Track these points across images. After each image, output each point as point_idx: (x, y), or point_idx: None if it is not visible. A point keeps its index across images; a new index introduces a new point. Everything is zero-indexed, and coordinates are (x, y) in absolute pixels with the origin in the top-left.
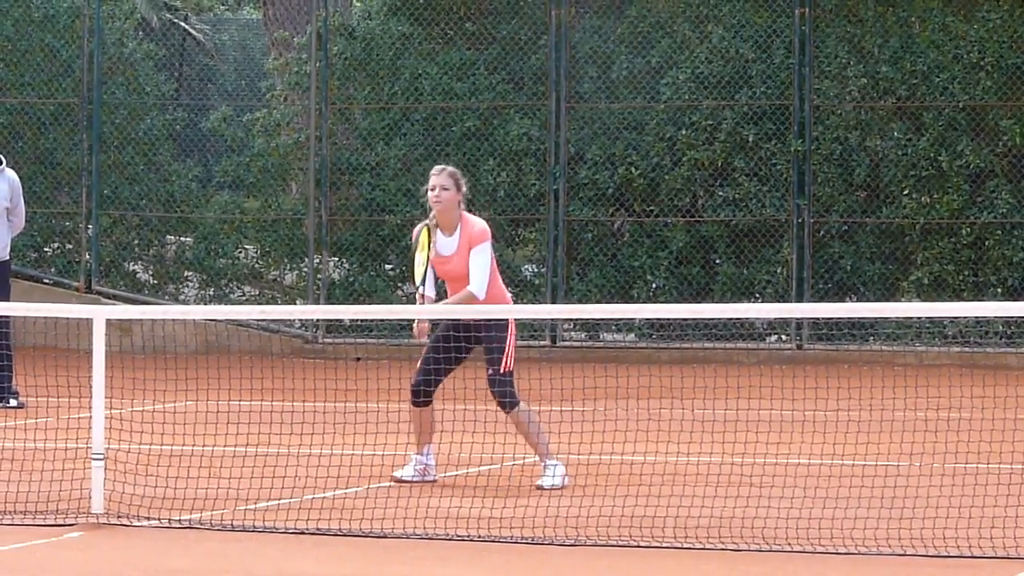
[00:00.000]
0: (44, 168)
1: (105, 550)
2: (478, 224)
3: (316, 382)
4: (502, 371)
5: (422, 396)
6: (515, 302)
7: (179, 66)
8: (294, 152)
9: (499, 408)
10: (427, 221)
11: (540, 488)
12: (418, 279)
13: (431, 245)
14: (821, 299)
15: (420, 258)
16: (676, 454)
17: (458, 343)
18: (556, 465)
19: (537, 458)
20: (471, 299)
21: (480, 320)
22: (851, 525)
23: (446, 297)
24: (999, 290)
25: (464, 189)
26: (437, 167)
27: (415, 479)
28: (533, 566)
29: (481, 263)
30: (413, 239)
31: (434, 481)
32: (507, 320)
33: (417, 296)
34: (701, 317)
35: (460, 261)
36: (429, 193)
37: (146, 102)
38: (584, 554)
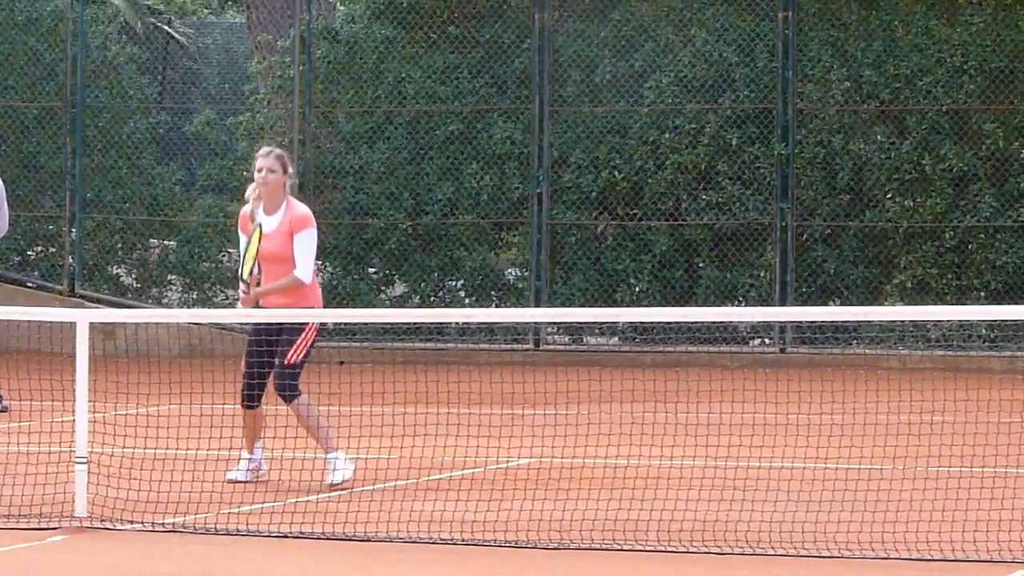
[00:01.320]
0: (27, 172)
1: (88, 554)
2: (301, 209)
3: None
4: (286, 362)
5: (255, 401)
6: (499, 306)
7: (162, 70)
8: None
9: (281, 401)
10: (249, 202)
11: (332, 485)
12: (246, 272)
13: (254, 227)
14: (804, 303)
15: (251, 252)
16: (660, 458)
17: (271, 345)
18: (337, 458)
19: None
20: (296, 283)
21: (284, 324)
22: (834, 529)
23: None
24: (982, 294)
25: (291, 171)
26: (264, 149)
27: (249, 479)
28: (517, 569)
29: (308, 248)
30: (240, 227)
31: (267, 479)
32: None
33: (243, 286)
34: (684, 321)
35: (277, 241)
36: (256, 175)
37: (129, 106)
38: (568, 557)
